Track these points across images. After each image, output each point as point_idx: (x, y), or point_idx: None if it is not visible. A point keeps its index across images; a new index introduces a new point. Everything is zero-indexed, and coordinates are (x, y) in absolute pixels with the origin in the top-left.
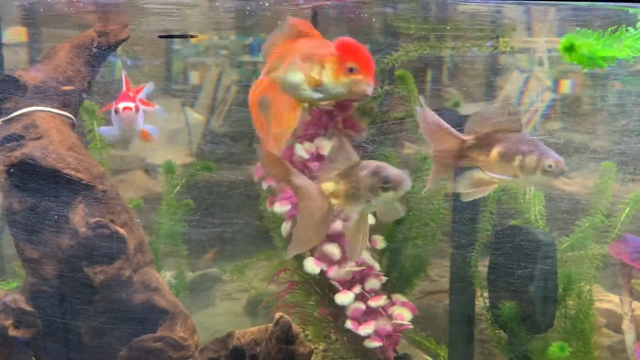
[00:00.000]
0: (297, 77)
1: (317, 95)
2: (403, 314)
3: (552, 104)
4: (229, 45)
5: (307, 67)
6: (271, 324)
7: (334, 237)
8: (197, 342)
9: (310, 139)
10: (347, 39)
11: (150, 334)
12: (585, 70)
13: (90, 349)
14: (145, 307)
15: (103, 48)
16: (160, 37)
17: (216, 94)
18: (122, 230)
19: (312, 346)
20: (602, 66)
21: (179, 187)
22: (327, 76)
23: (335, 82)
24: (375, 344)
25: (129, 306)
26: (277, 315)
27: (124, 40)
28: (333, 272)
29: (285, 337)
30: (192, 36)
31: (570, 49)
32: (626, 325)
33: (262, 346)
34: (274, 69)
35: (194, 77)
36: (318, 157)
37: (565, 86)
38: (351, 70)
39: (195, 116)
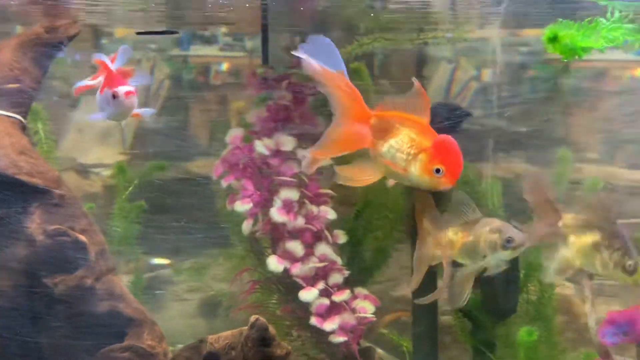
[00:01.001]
0: (392, 154)
1: (401, 176)
2: (366, 307)
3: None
4: (158, 39)
5: (404, 150)
6: (245, 327)
7: (296, 234)
8: (165, 349)
9: (269, 135)
10: (447, 138)
11: (117, 344)
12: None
13: None
14: (110, 316)
15: (52, 45)
16: (138, 33)
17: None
18: (82, 237)
19: (289, 347)
20: (581, 56)
21: (131, 187)
22: (415, 167)
23: (419, 177)
24: (340, 338)
25: (93, 316)
26: (253, 318)
27: (75, 36)
28: (296, 270)
29: (262, 340)
30: (172, 32)
31: (554, 39)
32: (588, 308)
33: (238, 350)
34: (379, 129)
35: None
36: (277, 153)
37: (486, 75)
38: (438, 171)
39: None
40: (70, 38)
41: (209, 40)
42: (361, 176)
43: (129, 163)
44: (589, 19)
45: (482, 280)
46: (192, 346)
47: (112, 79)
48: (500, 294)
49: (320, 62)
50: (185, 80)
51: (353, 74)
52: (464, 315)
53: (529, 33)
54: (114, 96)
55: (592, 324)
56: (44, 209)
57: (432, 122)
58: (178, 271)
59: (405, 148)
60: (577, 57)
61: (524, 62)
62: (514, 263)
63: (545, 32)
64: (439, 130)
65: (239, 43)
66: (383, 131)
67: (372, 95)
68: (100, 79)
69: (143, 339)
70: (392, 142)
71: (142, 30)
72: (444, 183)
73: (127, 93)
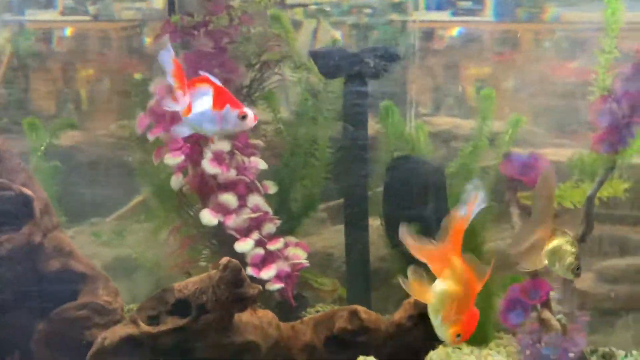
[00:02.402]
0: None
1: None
2: (298, 254)
3: None
4: None
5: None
6: (213, 272)
7: (229, 186)
8: (121, 304)
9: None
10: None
11: (71, 303)
12: None
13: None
14: (61, 273)
15: None
16: None
17: None
18: (27, 191)
19: (260, 287)
20: None
21: (43, 147)
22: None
23: (439, 325)
24: (276, 286)
25: (43, 275)
26: (225, 259)
27: None
28: (231, 222)
29: (236, 281)
30: None
31: None
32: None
33: (209, 294)
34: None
35: None
36: None
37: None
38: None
39: None
40: None
41: (46, 4)
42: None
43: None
44: None
45: (414, 220)
46: (155, 296)
47: (228, 97)
48: (433, 232)
49: None
50: (24, 48)
51: (273, 20)
52: (398, 252)
53: None
54: (243, 117)
55: (522, 249)
56: None
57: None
58: (97, 234)
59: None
60: None
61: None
62: (442, 199)
63: None
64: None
65: (81, 7)
66: None
67: None
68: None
69: (99, 295)
70: None
71: None
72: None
73: (255, 117)
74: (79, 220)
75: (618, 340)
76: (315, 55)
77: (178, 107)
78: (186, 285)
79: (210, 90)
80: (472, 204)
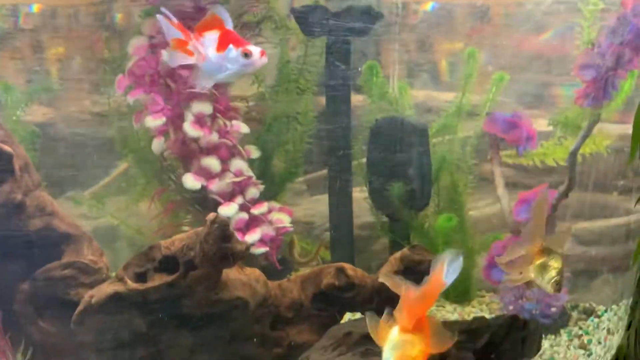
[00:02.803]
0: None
1: None
2: (282, 218)
3: None
4: None
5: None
6: (199, 229)
7: (211, 150)
8: (106, 263)
9: None
10: None
11: (55, 262)
12: None
13: None
14: (44, 233)
15: None
16: None
17: None
18: (6, 147)
19: (247, 242)
20: None
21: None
22: None
23: None
24: (261, 249)
25: (25, 235)
26: (211, 215)
27: None
28: (214, 186)
29: (223, 236)
30: None
31: None
32: (500, 191)
33: (197, 249)
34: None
35: None
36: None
37: None
38: None
39: None
40: None
41: None
42: None
43: None
44: None
45: (398, 178)
46: (142, 254)
47: (233, 37)
48: (415, 188)
49: None
50: None
51: None
52: (381, 212)
53: None
54: (246, 54)
55: (505, 206)
56: None
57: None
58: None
59: None
60: None
61: None
62: (426, 158)
63: None
64: None
65: None
66: None
67: None
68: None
69: (83, 255)
70: None
71: None
72: None
73: (262, 52)
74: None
75: (593, 298)
76: (296, 14)
77: (192, 60)
78: (173, 242)
79: (216, 36)
80: (439, 273)
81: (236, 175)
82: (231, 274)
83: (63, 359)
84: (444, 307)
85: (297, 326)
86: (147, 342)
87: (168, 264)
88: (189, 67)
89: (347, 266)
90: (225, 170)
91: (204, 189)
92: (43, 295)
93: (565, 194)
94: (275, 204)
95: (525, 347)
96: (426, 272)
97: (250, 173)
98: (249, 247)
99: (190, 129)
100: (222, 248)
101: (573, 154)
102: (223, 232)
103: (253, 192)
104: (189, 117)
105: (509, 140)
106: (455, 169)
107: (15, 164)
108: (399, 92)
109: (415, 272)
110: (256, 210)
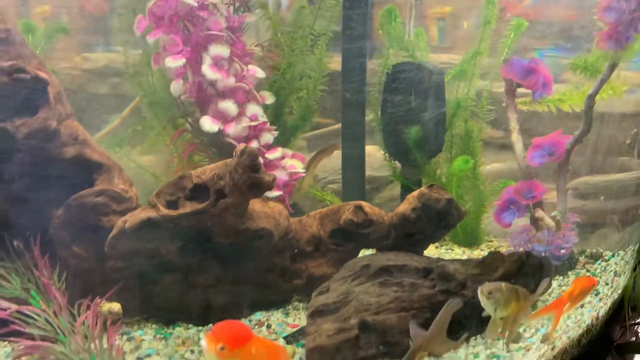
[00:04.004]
0: None
1: None
2: (295, 164)
3: None
4: None
5: None
6: (229, 160)
7: (228, 94)
8: (136, 193)
9: None
10: None
11: (89, 189)
12: None
13: (16, 214)
14: (77, 161)
15: None
16: None
17: None
18: (43, 74)
19: (274, 174)
20: None
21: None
22: None
23: None
24: (275, 193)
25: (59, 162)
26: (241, 145)
27: None
28: (230, 129)
29: (253, 166)
30: None
31: None
32: (515, 137)
33: (227, 179)
34: None
35: None
36: (204, 6)
37: None
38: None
39: None
40: None
41: None
42: None
43: None
44: None
45: (413, 123)
46: (173, 183)
47: None
48: (430, 133)
49: None
50: None
51: None
52: (394, 158)
53: None
54: None
55: (519, 151)
56: None
57: None
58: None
59: None
60: None
61: None
62: (441, 103)
63: None
64: None
65: None
66: None
67: None
68: None
69: (115, 183)
70: None
71: None
72: None
73: None
74: None
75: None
76: None
77: None
78: (204, 171)
79: None
80: None
81: (251, 120)
82: (256, 206)
83: (96, 283)
84: (452, 249)
85: (315, 260)
86: (176, 268)
87: (198, 192)
88: (208, 9)
89: (365, 204)
90: (241, 114)
91: (220, 132)
92: (77, 221)
93: (579, 139)
94: (288, 151)
95: (537, 283)
96: (442, 211)
97: (265, 118)
98: (275, 177)
99: (208, 71)
100: (251, 177)
101: (590, 98)
102: (252, 162)
103: (267, 137)
104: (207, 60)
105: (526, 86)
106: (467, 118)
107: (50, 92)
108: (415, 36)
109: (432, 209)
110: (270, 155)
